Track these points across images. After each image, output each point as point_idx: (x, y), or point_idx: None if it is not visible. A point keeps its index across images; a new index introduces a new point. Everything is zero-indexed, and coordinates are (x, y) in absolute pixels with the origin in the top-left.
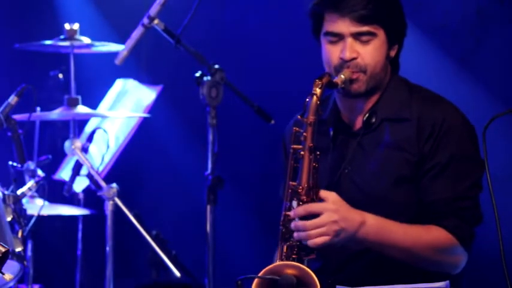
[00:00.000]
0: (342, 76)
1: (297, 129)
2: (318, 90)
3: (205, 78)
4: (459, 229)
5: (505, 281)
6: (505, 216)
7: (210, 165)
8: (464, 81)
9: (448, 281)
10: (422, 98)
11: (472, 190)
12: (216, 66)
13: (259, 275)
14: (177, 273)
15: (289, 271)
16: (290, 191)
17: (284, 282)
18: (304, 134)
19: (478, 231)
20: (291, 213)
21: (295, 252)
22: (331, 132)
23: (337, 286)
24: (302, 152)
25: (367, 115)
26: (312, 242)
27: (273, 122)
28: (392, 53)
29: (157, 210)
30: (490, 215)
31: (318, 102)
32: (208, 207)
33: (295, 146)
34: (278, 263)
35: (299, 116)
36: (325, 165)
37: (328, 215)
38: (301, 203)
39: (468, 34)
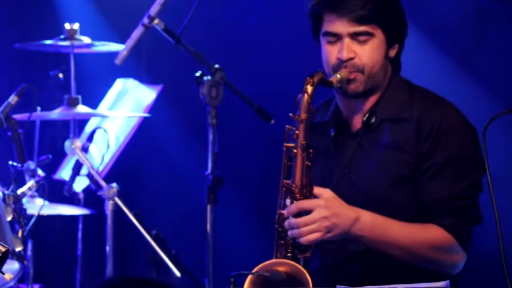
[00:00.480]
0: (338, 76)
1: (290, 127)
2: (309, 88)
3: (205, 78)
4: (457, 228)
5: (505, 281)
6: (505, 216)
7: (210, 165)
8: (464, 81)
9: (448, 281)
10: (423, 99)
11: (471, 190)
12: (216, 66)
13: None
14: (177, 273)
15: (281, 268)
16: (284, 189)
17: (274, 279)
18: (296, 131)
19: (478, 231)
20: (285, 212)
21: (289, 250)
22: (332, 133)
23: (337, 286)
24: (295, 150)
25: (366, 115)
26: (304, 239)
27: (273, 121)
28: (392, 53)
29: (157, 210)
30: (490, 215)
31: (310, 100)
32: (208, 207)
33: (288, 144)
34: (271, 260)
35: (291, 114)
36: (325, 166)
37: (319, 212)
38: (294, 201)
39: (468, 34)
